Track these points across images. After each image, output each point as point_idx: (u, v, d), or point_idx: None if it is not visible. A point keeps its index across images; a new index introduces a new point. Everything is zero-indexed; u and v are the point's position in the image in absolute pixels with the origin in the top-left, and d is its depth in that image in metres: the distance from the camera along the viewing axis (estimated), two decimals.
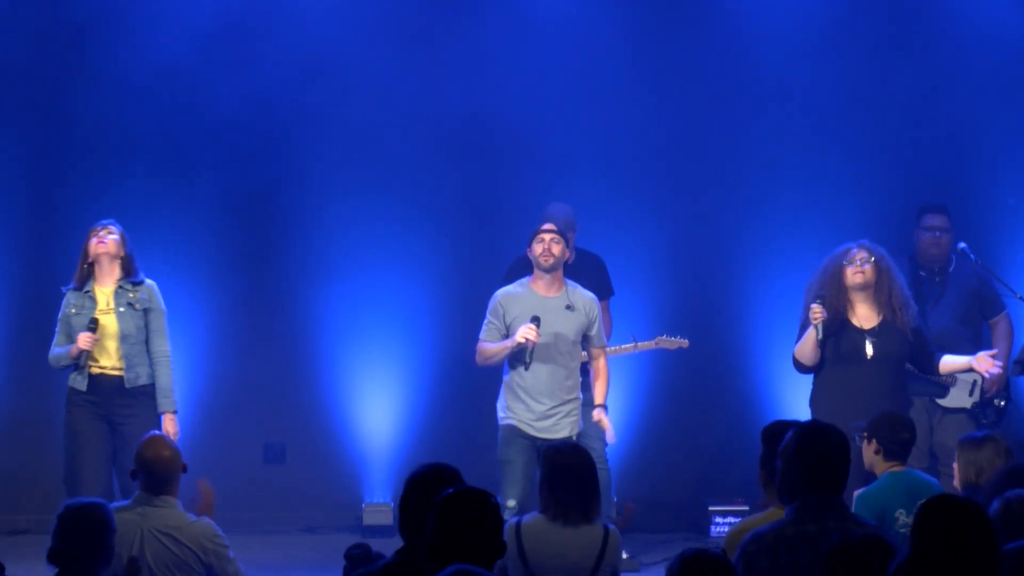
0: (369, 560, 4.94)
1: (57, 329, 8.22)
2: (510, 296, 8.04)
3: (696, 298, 10.25)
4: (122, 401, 8.07)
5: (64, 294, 8.24)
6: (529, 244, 8.05)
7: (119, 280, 8.17)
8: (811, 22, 10.22)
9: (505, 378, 8.05)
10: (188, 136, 10.12)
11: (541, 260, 7.99)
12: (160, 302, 8.25)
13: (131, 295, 8.15)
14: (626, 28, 10.29)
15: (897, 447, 6.37)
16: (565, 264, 9.03)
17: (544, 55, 10.20)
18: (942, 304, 8.98)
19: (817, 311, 7.81)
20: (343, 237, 10.23)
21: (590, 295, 8.16)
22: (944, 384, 9.01)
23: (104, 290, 8.17)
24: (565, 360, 8.00)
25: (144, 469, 5.94)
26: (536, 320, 7.86)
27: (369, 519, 9.99)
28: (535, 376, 7.93)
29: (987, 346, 9.17)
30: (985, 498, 5.18)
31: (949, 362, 8.09)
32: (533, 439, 7.91)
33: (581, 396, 8.20)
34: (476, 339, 8.12)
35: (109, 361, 8.11)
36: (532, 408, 7.94)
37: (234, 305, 10.11)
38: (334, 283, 10.21)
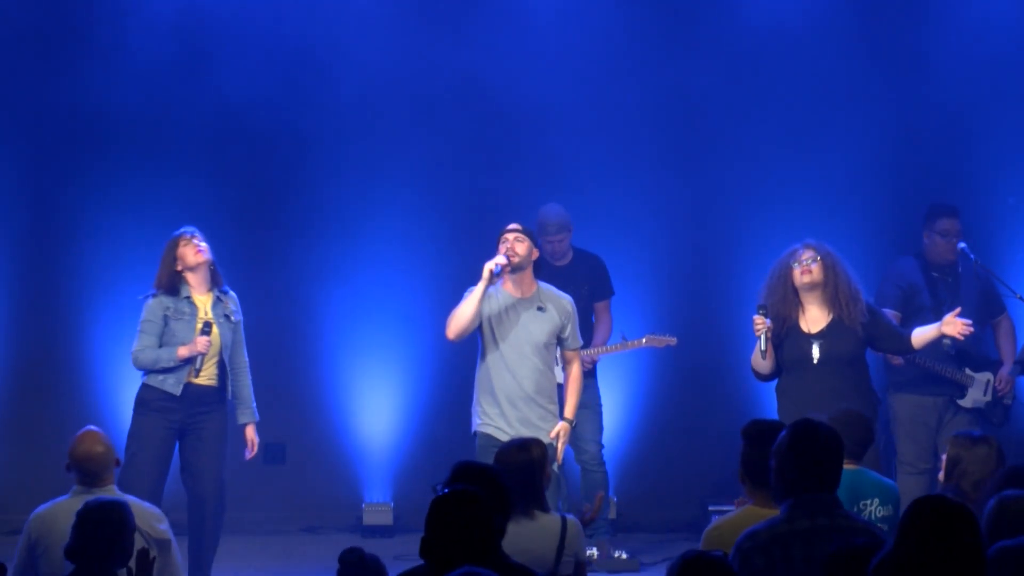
0: (363, 564, 4.94)
1: (140, 330, 8.04)
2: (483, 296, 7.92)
3: (695, 298, 10.25)
4: (203, 408, 8.03)
5: (145, 301, 8.08)
6: (495, 246, 7.85)
7: (212, 290, 8.11)
8: (811, 21, 10.23)
9: (477, 382, 7.90)
10: (187, 135, 10.13)
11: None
12: (241, 313, 8.23)
13: (225, 306, 8.11)
14: (625, 29, 10.29)
15: (858, 447, 6.35)
16: (564, 264, 9.03)
17: (543, 55, 10.21)
18: (959, 305, 8.90)
19: (759, 322, 7.74)
20: (343, 237, 10.24)
21: (565, 296, 7.94)
22: (963, 384, 9.00)
23: (201, 299, 8.07)
24: (538, 363, 7.80)
25: (77, 465, 6.10)
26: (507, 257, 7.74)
27: (369, 519, 9.99)
28: (508, 379, 7.77)
29: (991, 346, 9.18)
30: (985, 501, 5.17)
31: (921, 334, 7.98)
32: None
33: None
34: (474, 341, 8.08)
35: (204, 370, 8.06)
36: (506, 412, 7.77)
37: None
38: (334, 283, 10.21)
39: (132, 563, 5.53)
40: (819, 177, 10.22)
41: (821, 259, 7.79)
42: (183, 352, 7.92)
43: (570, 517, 5.91)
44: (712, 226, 10.35)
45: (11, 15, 10.04)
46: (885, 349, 8.14)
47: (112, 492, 6.05)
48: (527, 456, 5.91)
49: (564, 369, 8.04)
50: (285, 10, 10.17)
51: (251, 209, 10.22)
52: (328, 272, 10.20)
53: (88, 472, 6.08)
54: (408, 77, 10.23)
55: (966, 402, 9.01)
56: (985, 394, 9.03)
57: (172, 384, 7.98)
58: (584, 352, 8.77)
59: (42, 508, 6.06)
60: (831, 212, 10.01)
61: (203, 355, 7.95)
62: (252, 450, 8.22)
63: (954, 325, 7.95)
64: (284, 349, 10.18)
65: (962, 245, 9.11)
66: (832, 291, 7.78)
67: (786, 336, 7.79)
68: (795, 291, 7.82)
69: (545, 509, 5.88)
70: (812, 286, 7.79)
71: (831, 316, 7.80)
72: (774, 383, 7.99)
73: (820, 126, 10.24)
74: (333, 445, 10.22)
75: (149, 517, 6.14)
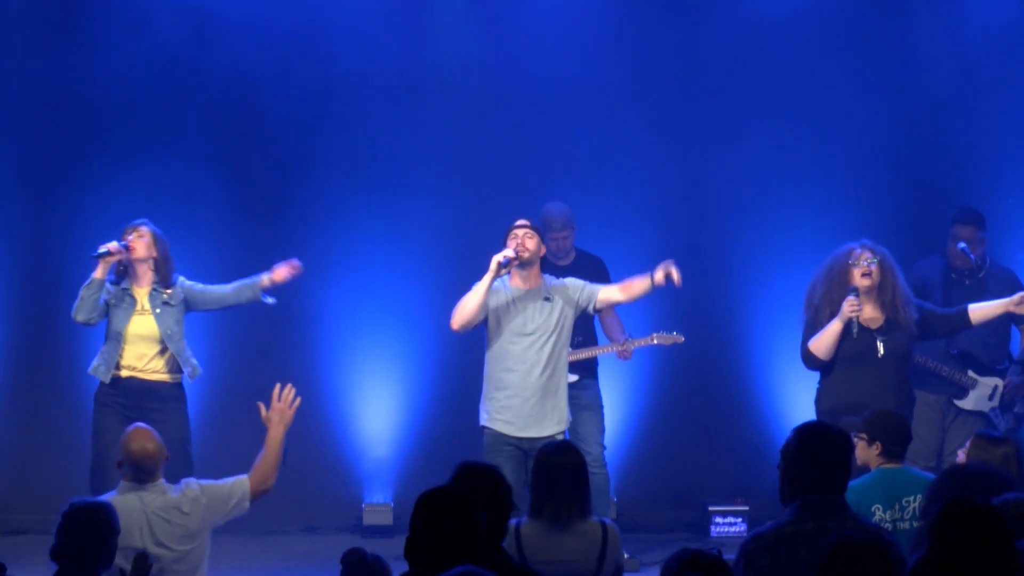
0: (365, 564, 4.94)
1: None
2: (490, 289, 7.95)
3: (696, 298, 10.22)
4: (152, 405, 8.07)
5: (95, 267, 8.15)
6: (504, 241, 7.91)
7: (153, 282, 8.19)
8: (812, 21, 10.22)
9: (486, 375, 7.93)
10: (185, 132, 10.11)
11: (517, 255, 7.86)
12: (190, 282, 8.31)
13: (164, 295, 8.19)
14: (626, 29, 10.28)
15: (899, 448, 6.37)
16: (567, 264, 9.03)
17: (543, 56, 10.20)
18: None
19: (854, 303, 7.76)
20: (343, 237, 10.23)
21: (566, 279, 8.02)
22: (964, 386, 8.98)
23: (140, 291, 8.19)
24: (547, 354, 7.84)
25: (131, 462, 6.12)
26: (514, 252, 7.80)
27: (369, 519, 9.98)
28: (516, 372, 7.80)
29: (1012, 351, 9.14)
30: (930, 499, 5.18)
31: (980, 309, 8.00)
32: (518, 442, 7.82)
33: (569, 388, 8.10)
34: (475, 339, 8.09)
35: (141, 363, 8.13)
36: (513, 407, 7.81)
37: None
38: (334, 283, 10.20)
39: (128, 564, 5.55)
40: (819, 176, 10.23)
41: (880, 261, 7.86)
42: (96, 274, 8.03)
43: (609, 522, 5.86)
44: (712, 227, 10.34)
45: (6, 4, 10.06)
46: (942, 334, 8.22)
47: (161, 488, 6.10)
48: (574, 458, 5.85)
49: (621, 295, 7.99)
50: (288, 19, 10.16)
51: (249, 206, 10.20)
52: (328, 270, 10.19)
53: (142, 468, 6.09)
54: (411, 72, 10.22)
55: (965, 404, 8.99)
56: (991, 399, 8.99)
57: (103, 372, 8.12)
58: (615, 348, 8.99)
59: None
60: (831, 210, 10.02)
61: (112, 253, 8.03)
62: (282, 273, 8.35)
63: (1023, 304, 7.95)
64: (283, 348, 10.17)
65: (962, 245, 9.09)
66: (889, 295, 7.86)
67: (848, 330, 7.81)
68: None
69: (586, 512, 5.81)
70: (871, 288, 7.85)
71: (885, 315, 7.86)
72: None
73: (821, 124, 10.24)
74: (333, 445, 10.21)
75: (193, 498, 6.16)
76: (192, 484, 6.21)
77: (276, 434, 6.40)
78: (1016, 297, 7.97)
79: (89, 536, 5.25)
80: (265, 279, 8.39)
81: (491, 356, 7.90)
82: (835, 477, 4.89)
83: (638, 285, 7.93)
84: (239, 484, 6.29)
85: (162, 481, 6.13)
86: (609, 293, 8.00)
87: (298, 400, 6.42)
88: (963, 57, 10.20)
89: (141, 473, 6.08)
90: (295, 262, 8.41)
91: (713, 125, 10.29)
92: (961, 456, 6.26)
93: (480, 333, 7.98)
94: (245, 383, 10.01)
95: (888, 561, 4.19)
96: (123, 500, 5.98)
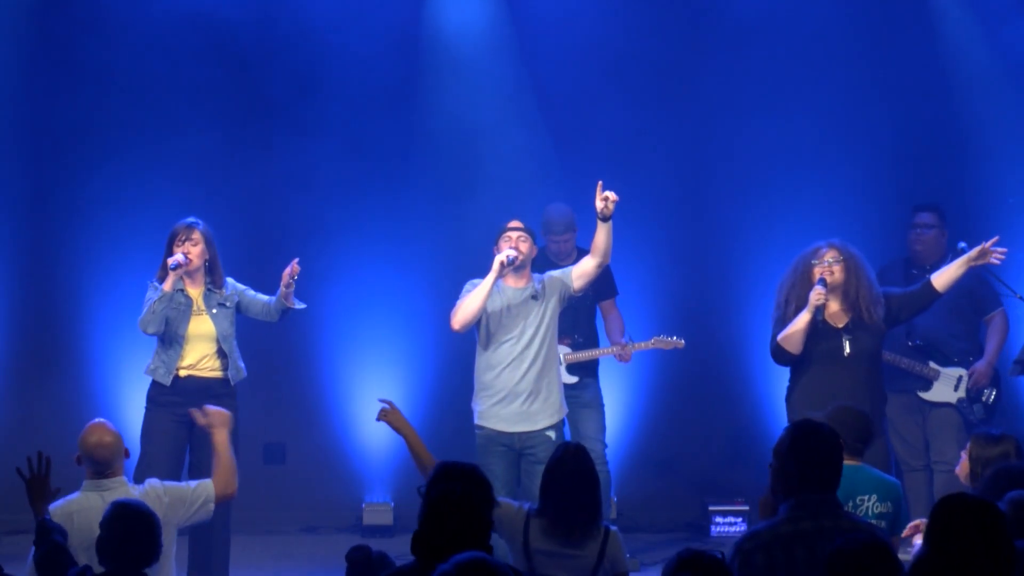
0: (370, 562, 4.94)
1: (145, 303, 8.16)
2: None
3: (696, 299, 10.25)
4: (208, 402, 8.05)
5: (149, 286, 8.18)
6: (496, 242, 7.94)
7: (206, 283, 8.21)
8: (811, 22, 10.23)
9: (477, 375, 7.96)
10: (183, 130, 10.11)
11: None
12: (241, 285, 8.33)
13: (218, 295, 8.22)
14: (628, 30, 10.28)
15: (858, 444, 6.35)
16: (568, 265, 9.05)
17: (545, 56, 10.20)
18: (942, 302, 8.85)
19: (821, 293, 7.72)
20: (342, 236, 10.23)
21: (547, 272, 8.04)
22: (927, 378, 8.97)
23: (194, 291, 8.21)
24: (534, 351, 7.87)
25: (89, 455, 6.17)
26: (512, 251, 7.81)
27: (369, 519, 9.99)
28: (507, 372, 7.83)
29: (982, 343, 9.14)
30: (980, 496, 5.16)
31: (942, 274, 7.92)
32: (510, 440, 7.84)
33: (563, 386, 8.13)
34: (475, 339, 8.09)
35: (200, 362, 8.16)
36: (505, 406, 7.84)
37: None
38: (334, 282, 10.20)
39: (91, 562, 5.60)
40: (819, 178, 10.23)
41: (844, 260, 7.81)
42: (166, 286, 8.02)
43: (612, 528, 5.87)
44: (713, 228, 10.35)
45: None
46: (912, 314, 8.09)
47: (123, 483, 6.15)
48: (588, 462, 5.86)
49: (591, 257, 7.92)
50: (285, 24, 10.15)
51: (250, 208, 10.21)
52: (327, 270, 10.19)
53: (100, 461, 6.13)
54: (410, 81, 10.22)
55: (930, 396, 8.98)
56: (956, 390, 8.98)
57: (163, 374, 8.11)
58: (614, 351, 8.97)
59: (56, 505, 6.09)
60: (831, 213, 10.01)
61: (181, 265, 8.02)
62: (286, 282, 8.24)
63: (984, 255, 7.88)
64: (284, 349, 10.18)
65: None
66: (853, 294, 7.81)
67: (815, 329, 7.78)
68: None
69: (596, 532, 5.80)
70: (832, 287, 7.79)
71: (851, 313, 7.81)
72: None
73: (821, 127, 10.24)
74: (333, 445, 10.22)
75: (154, 497, 6.16)
76: (156, 483, 6.28)
77: (221, 437, 6.45)
78: (975, 252, 7.93)
79: (135, 536, 5.31)
80: (282, 299, 8.33)
81: (482, 356, 7.94)
82: (828, 475, 4.90)
83: (597, 237, 7.81)
84: (203, 487, 6.35)
85: (124, 478, 6.18)
86: (581, 266, 7.97)
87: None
88: (965, 54, 10.20)
89: (99, 466, 6.13)
90: (290, 270, 8.31)
91: (716, 123, 10.29)
92: (964, 458, 6.25)
93: (475, 331, 7.99)
94: (245, 382, 10.02)
95: (890, 561, 4.19)
96: (85, 499, 6.05)
